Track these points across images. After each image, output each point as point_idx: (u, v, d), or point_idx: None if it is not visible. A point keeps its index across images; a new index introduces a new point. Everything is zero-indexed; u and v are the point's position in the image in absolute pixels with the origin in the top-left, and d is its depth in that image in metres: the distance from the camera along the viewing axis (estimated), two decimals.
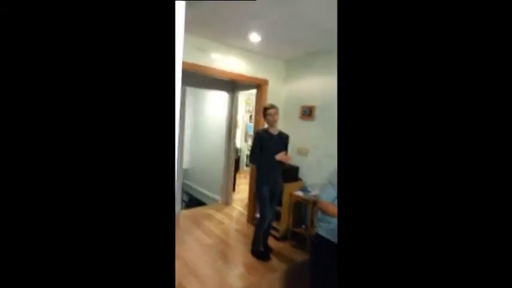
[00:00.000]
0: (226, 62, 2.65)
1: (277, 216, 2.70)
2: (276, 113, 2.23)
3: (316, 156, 2.75)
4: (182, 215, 3.27)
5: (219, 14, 1.95)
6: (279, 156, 2.17)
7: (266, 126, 2.32)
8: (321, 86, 2.72)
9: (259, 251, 2.34)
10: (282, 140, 2.31)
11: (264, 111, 2.26)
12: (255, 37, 2.36)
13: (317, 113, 2.76)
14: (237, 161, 4.72)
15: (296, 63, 3.01)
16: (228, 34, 2.36)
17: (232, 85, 3.62)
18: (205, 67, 2.50)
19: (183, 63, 2.28)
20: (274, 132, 2.27)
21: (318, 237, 1.77)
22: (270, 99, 2.99)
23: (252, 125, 4.79)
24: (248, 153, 5.89)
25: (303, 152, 2.88)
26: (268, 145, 2.21)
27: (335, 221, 1.76)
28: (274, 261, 2.25)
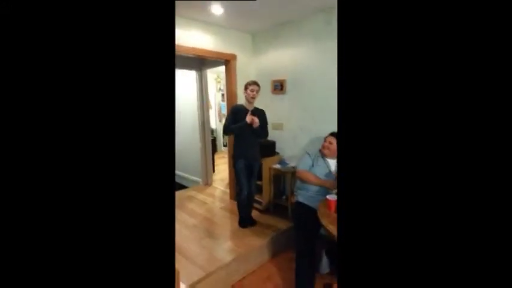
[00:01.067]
0: (191, 37, 2.53)
1: (259, 190, 2.79)
2: (256, 90, 2.27)
3: (291, 129, 2.82)
4: None
5: None
6: (248, 118, 2.18)
7: (244, 101, 2.35)
8: (290, 58, 2.72)
9: (244, 220, 2.45)
10: (258, 116, 2.33)
11: (246, 86, 2.29)
12: (217, 9, 2.26)
13: (288, 86, 2.78)
14: (214, 142, 4.70)
15: (263, 35, 2.95)
16: (188, 7, 2.23)
17: (199, 62, 3.50)
18: None
19: None
20: (250, 107, 2.31)
21: (298, 204, 1.88)
22: (239, 75, 2.95)
23: (225, 104, 4.74)
24: None
25: (277, 127, 2.93)
26: (242, 119, 2.23)
27: (312, 187, 1.87)
28: (260, 232, 2.36)
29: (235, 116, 2.28)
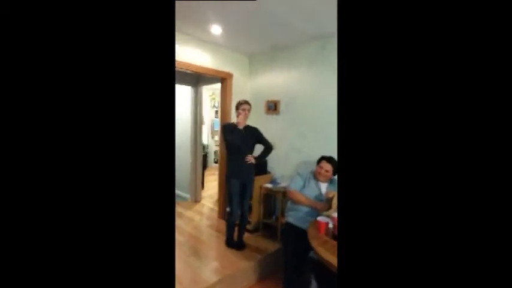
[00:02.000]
0: (188, 53, 2.59)
1: (249, 209, 2.75)
2: (247, 109, 2.27)
3: (283, 149, 2.84)
4: None
5: (178, 4, 1.90)
6: (249, 158, 2.28)
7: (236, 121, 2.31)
8: (284, 80, 2.80)
9: (233, 242, 2.39)
10: (250, 133, 2.34)
11: (237, 105, 2.30)
12: (216, 29, 2.34)
13: (282, 107, 2.84)
14: (205, 158, 4.67)
15: (259, 57, 3.05)
16: (188, 25, 2.30)
17: (195, 79, 3.55)
18: None
19: None
20: (241, 126, 2.28)
21: (288, 225, 1.86)
22: (235, 94, 3.00)
23: (218, 120, 4.77)
24: (216, 149, 5.87)
25: None
26: (235, 138, 2.22)
27: (303, 208, 1.86)
28: (248, 252, 2.31)
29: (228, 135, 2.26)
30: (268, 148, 2.39)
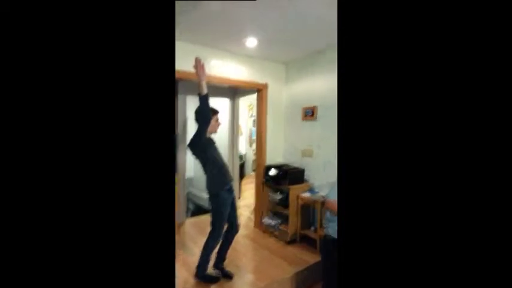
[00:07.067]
0: (225, 68, 2.65)
1: (285, 220, 2.65)
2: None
3: (321, 156, 2.71)
4: (188, 223, 3.23)
5: (212, 19, 1.95)
6: None
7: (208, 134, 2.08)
8: (322, 85, 2.69)
9: (209, 275, 2.02)
10: None
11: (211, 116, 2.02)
12: (251, 41, 2.36)
13: (319, 113, 2.73)
14: (242, 167, 4.69)
15: (295, 64, 3.00)
16: (223, 40, 2.36)
17: (232, 91, 3.61)
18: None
19: (182, 72, 2.25)
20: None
21: (327, 237, 1.72)
22: (270, 103, 2.98)
23: (255, 129, 4.78)
24: (254, 158, 5.88)
25: (307, 154, 2.84)
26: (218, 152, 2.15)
27: None
28: (284, 264, 2.20)
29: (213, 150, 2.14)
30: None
